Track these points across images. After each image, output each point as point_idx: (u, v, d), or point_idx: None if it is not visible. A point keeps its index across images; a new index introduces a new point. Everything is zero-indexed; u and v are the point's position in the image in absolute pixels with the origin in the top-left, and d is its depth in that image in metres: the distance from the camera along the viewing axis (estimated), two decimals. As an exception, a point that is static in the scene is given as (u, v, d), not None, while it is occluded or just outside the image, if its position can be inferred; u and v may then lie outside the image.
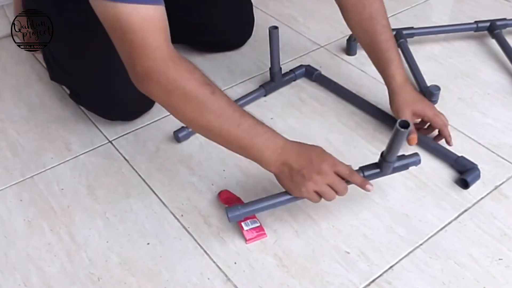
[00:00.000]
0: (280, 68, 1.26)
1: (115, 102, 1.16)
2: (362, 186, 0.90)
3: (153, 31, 0.80)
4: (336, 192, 0.88)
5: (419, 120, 1.10)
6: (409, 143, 1.05)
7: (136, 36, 0.79)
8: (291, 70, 1.31)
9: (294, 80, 1.32)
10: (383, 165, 0.92)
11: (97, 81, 1.14)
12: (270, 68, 1.26)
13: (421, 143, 1.09)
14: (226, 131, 0.85)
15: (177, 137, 1.15)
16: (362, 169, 0.94)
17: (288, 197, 0.91)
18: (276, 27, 1.15)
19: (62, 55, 1.18)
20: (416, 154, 0.96)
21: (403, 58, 1.33)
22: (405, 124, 0.81)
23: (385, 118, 1.17)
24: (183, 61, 0.84)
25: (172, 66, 0.82)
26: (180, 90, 0.82)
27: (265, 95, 1.28)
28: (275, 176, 0.91)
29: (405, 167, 0.96)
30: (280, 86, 1.30)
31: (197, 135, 1.17)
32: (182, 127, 1.16)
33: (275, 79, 1.27)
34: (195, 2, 1.33)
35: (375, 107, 1.19)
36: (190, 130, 1.16)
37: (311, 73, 1.31)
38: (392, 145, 0.87)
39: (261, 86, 1.27)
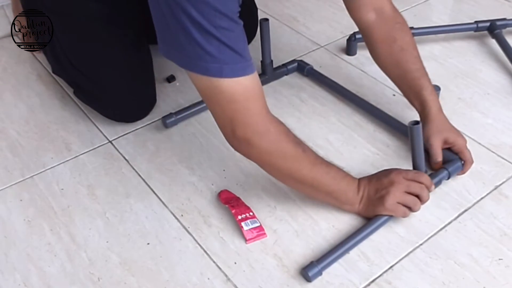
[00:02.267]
0: (271, 61, 1.27)
1: (119, 101, 1.17)
2: (429, 188, 0.95)
3: (254, 99, 0.87)
4: (417, 196, 0.94)
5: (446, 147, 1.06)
6: (434, 168, 1.03)
7: (240, 105, 0.85)
8: (283, 64, 1.32)
9: (286, 74, 1.32)
10: None
11: (104, 77, 1.15)
12: (261, 61, 1.26)
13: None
14: (318, 181, 0.92)
15: (165, 123, 1.17)
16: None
17: (371, 227, 0.93)
18: (266, 20, 1.18)
19: (72, 48, 1.17)
20: (456, 159, 1.01)
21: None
22: (416, 122, 0.87)
23: (372, 109, 1.19)
24: (280, 124, 0.90)
25: (272, 131, 0.88)
26: (280, 152, 0.89)
27: None
28: (361, 213, 0.96)
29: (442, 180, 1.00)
30: (272, 79, 1.30)
31: (185, 122, 1.19)
32: (170, 113, 1.18)
33: (266, 72, 1.28)
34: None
35: (367, 103, 1.20)
36: (178, 116, 1.18)
37: (302, 68, 1.31)
38: (413, 148, 0.92)
39: None
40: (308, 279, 0.87)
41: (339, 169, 0.94)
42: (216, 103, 0.87)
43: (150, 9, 0.85)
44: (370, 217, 0.95)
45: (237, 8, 0.82)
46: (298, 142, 0.91)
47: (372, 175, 0.97)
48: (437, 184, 1.00)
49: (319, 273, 0.87)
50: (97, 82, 1.16)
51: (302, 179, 0.92)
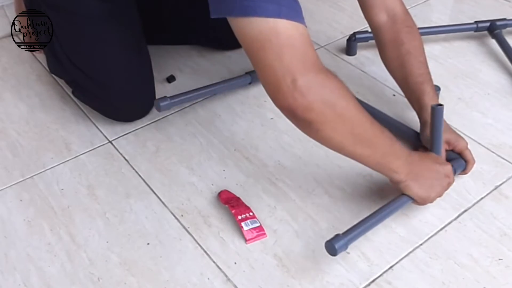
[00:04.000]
0: None
1: (120, 100, 1.17)
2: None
3: (311, 47, 0.81)
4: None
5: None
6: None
7: (299, 51, 0.79)
8: None
9: None
10: None
11: (105, 75, 1.15)
12: None
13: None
14: (377, 138, 0.88)
15: (158, 105, 1.14)
16: None
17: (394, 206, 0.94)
18: None
19: (72, 45, 1.17)
20: (459, 158, 1.02)
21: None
22: (439, 104, 0.89)
23: (372, 112, 1.17)
24: (336, 76, 0.84)
25: (333, 78, 0.83)
26: (343, 101, 0.83)
27: (250, 83, 1.27)
28: (398, 183, 0.93)
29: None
30: None
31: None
32: (165, 96, 1.16)
33: None
34: (195, 1, 1.33)
35: (367, 105, 1.20)
36: (172, 101, 1.15)
37: None
38: (434, 130, 0.94)
39: (247, 73, 1.27)
40: (334, 253, 0.85)
41: (389, 133, 0.91)
42: (271, 48, 0.79)
43: None
44: (400, 191, 0.95)
45: None
46: (353, 96, 0.86)
47: (421, 152, 0.99)
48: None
49: (345, 246, 0.86)
50: (98, 80, 1.15)
51: (363, 135, 0.86)
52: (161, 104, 1.14)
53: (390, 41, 1.11)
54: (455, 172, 1.00)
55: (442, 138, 0.99)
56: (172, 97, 1.16)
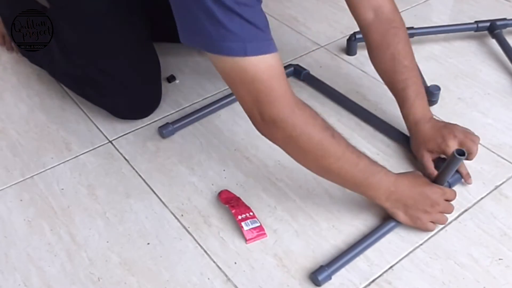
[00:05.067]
0: None
1: (132, 94, 1.17)
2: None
3: (279, 78, 0.85)
4: (448, 213, 0.95)
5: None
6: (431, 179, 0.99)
7: (264, 85, 0.83)
8: None
9: None
10: None
11: (114, 71, 1.15)
12: None
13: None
14: (345, 172, 0.89)
15: (162, 133, 1.16)
16: None
17: (383, 230, 0.94)
18: None
19: (83, 42, 1.17)
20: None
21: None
22: (461, 152, 0.86)
23: (369, 117, 1.18)
24: (306, 107, 0.88)
25: (298, 113, 0.86)
26: (305, 136, 0.86)
27: None
28: (387, 210, 0.94)
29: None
30: None
31: (182, 131, 1.18)
32: (167, 123, 1.17)
33: None
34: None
35: (365, 110, 1.20)
36: (174, 126, 1.16)
37: (299, 73, 1.31)
38: (446, 171, 0.92)
39: None
40: (318, 284, 0.86)
41: (371, 163, 0.91)
42: (241, 84, 0.85)
43: None
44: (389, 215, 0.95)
45: None
46: (327, 127, 0.89)
47: (415, 179, 0.95)
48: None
49: (329, 277, 0.87)
50: (110, 74, 1.15)
51: (328, 167, 0.89)
52: (164, 131, 1.15)
53: (376, 44, 1.10)
54: (449, 186, 0.99)
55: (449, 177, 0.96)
56: (174, 123, 1.17)
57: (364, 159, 0.90)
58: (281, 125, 0.85)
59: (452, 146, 1.00)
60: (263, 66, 0.82)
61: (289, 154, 0.91)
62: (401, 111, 1.08)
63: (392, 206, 0.93)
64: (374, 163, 0.92)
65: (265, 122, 0.86)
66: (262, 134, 0.89)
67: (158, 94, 1.23)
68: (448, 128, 1.03)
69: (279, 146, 0.90)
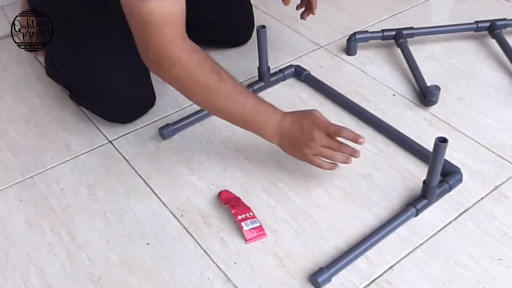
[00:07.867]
0: (269, 68, 1.26)
1: (115, 101, 1.16)
2: (355, 140, 0.95)
3: (171, 26, 0.89)
4: (334, 149, 0.96)
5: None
6: (285, 3, 1.15)
7: (155, 28, 0.87)
8: (280, 70, 1.32)
9: (283, 80, 1.32)
10: (429, 191, 0.96)
11: (97, 78, 1.14)
12: (258, 68, 1.26)
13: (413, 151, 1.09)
14: (232, 112, 0.97)
15: (162, 134, 1.16)
16: (413, 204, 0.96)
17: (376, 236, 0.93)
18: (263, 26, 1.16)
19: (65, 50, 1.17)
20: (457, 172, 1.01)
21: (403, 59, 1.33)
22: (443, 140, 0.86)
23: (370, 118, 1.18)
24: (195, 52, 0.93)
25: (184, 58, 0.91)
26: (191, 80, 0.92)
27: None
28: (282, 148, 1.01)
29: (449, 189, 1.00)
30: (269, 85, 1.29)
31: (182, 132, 1.18)
32: (167, 124, 1.17)
33: (264, 79, 1.27)
34: (194, 2, 1.33)
35: (365, 110, 1.20)
36: (175, 127, 1.16)
37: (300, 73, 1.31)
38: (435, 160, 0.90)
39: (249, 85, 1.27)
40: (317, 286, 0.86)
41: (260, 102, 0.97)
42: (134, 21, 0.89)
43: None
44: (292, 155, 1.00)
45: None
46: (216, 71, 0.94)
47: (301, 115, 0.98)
48: (440, 196, 1.00)
49: (329, 279, 0.87)
50: (92, 84, 1.14)
51: (215, 108, 0.96)
52: (165, 132, 1.16)
53: None
54: (450, 189, 1.00)
55: (441, 166, 0.92)
56: (174, 124, 1.17)
57: (252, 99, 0.97)
58: (165, 69, 0.91)
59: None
60: (157, 11, 0.86)
61: (179, 91, 0.96)
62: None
63: (280, 142, 0.99)
64: (263, 103, 0.98)
65: (151, 61, 0.92)
66: (150, 69, 0.96)
67: (149, 94, 1.21)
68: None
69: (168, 84, 0.96)
